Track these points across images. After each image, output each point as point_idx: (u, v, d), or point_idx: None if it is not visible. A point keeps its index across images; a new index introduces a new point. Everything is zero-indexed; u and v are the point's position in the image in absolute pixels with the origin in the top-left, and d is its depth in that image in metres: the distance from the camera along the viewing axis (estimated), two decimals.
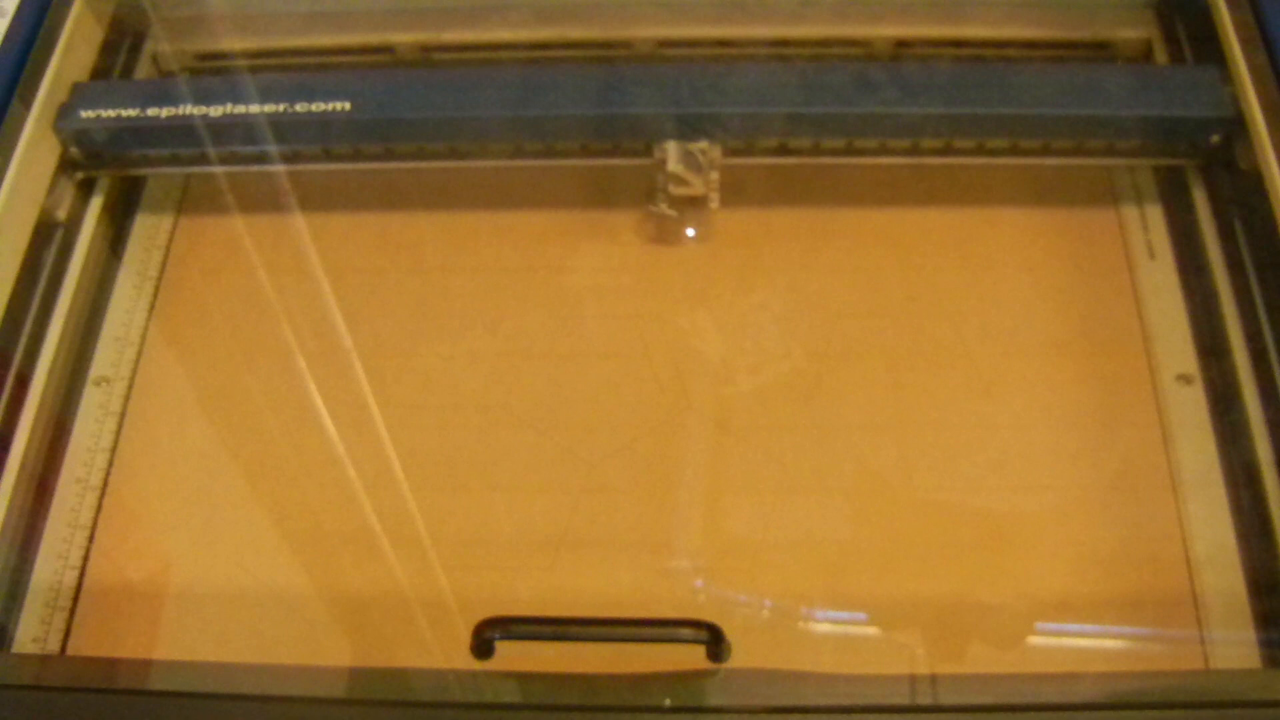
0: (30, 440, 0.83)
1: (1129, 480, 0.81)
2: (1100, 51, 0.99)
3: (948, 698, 0.64)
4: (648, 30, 1.00)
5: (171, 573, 0.81)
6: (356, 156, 0.93)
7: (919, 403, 0.85)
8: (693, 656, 0.67)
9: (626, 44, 1.01)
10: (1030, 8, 0.98)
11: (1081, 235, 0.92)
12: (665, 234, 0.94)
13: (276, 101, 0.90)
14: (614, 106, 0.90)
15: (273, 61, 1.02)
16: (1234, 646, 0.74)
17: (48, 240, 0.90)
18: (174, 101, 0.91)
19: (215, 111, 0.90)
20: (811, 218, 0.94)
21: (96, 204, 0.94)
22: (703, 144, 0.90)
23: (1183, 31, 0.95)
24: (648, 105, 0.90)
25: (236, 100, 0.90)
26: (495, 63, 1.01)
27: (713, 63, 0.97)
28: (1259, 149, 0.81)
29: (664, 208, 0.91)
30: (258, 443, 0.86)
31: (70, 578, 0.80)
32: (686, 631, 0.67)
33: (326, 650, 0.77)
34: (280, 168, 0.93)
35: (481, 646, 0.68)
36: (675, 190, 0.90)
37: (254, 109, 0.90)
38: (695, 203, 0.91)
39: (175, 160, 0.94)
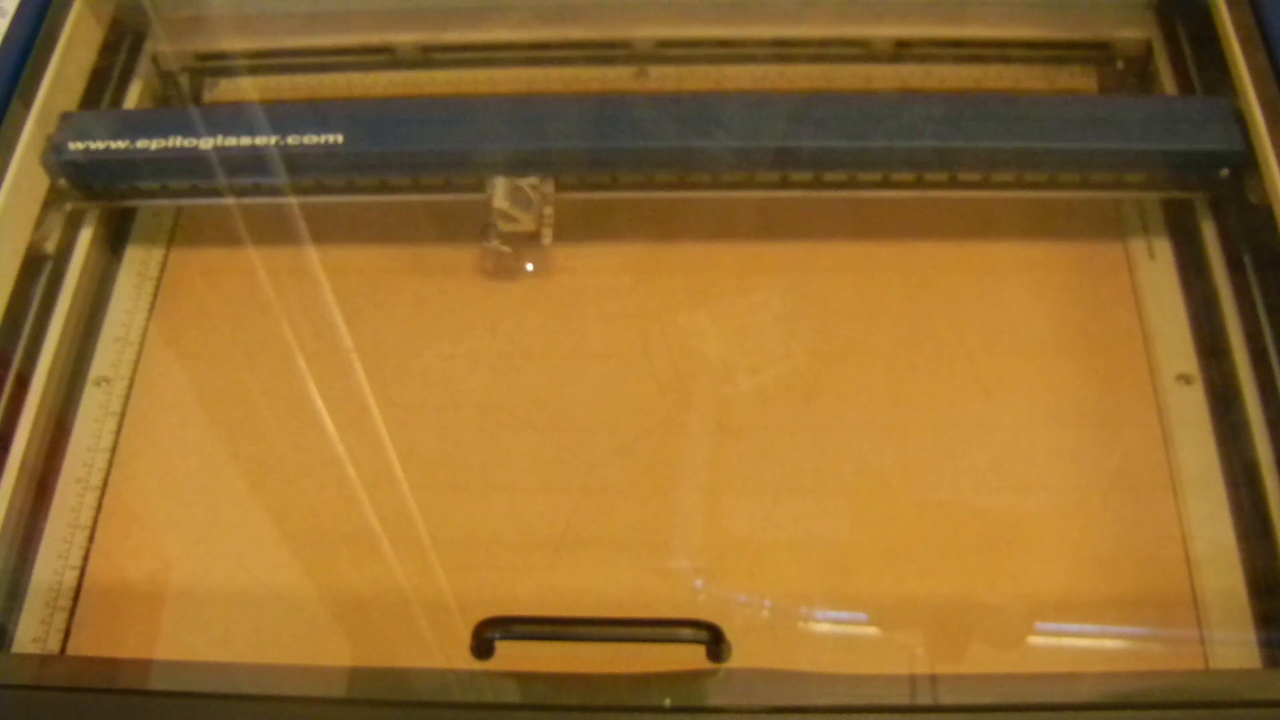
0: (30, 440, 0.83)
1: (1129, 480, 0.81)
2: (1100, 51, 0.99)
3: (948, 698, 0.64)
4: (648, 30, 1.00)
5: (171, 573, 0.81)
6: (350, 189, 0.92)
7: (919, 403, 0.85)
8: (693, 656, 0.67)
9: (626, 44, 1.01)
10: (1030, 8, 0.98)
11: (1087, 262, 0.91)
12: (501, 270, 0.92)
13: (268, 134, 0.88)
14: (445, 143, 0.89)
15: (273, 61, 1.03)
16: (1234, 646, 0.74)
17: (38, 269, 0.88)
18: (164, 133, 0.89)
19: (206, 144, 0.88)
20: (746, 251, 0.93)
21: (87, 234, 0.92)
22: (532, 179, 0.88)
23: (1183, 31, 0.95)
24: (477, 141, 0.88)
25: (228, 133, 0.88)
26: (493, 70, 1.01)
27: (553, 97, 0.96)
28: (1269, 183, 0.79)
29: (497, 244, 0.89)
30: (258, 443, 0.86)
31: (70, 578, 0.80)
32: (686, 631, 0.67)
33: (326, 650, 0.77)
34: (274, 200, 0.92)
35: (481, 646, 0.68)
36: (505, 227, 0.88)
37: (245, 141, 0.88)
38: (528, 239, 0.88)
39: (166, 192, 0.92)
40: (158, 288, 0.94)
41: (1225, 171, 0.85)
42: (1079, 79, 1.00)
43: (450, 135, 0.89)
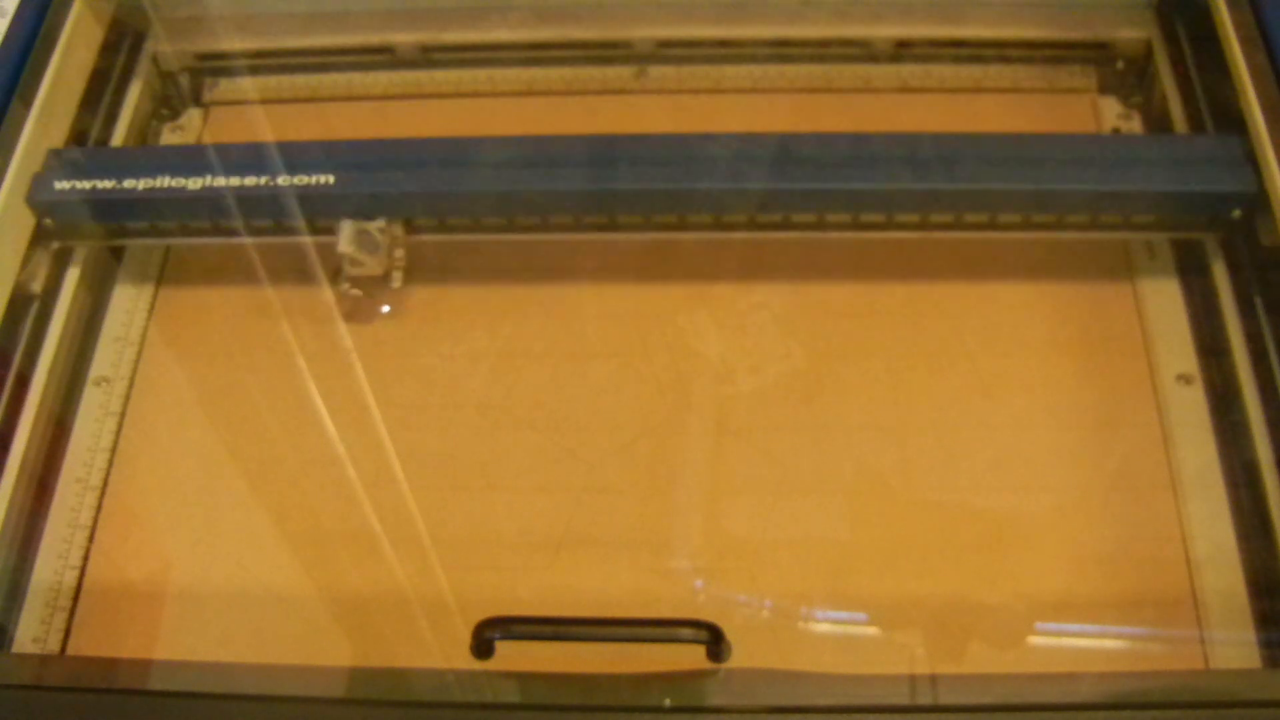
0: (30, 440, 0.83)
1: (1129, 480, 0.81)
2: (1100, 51, 0.99)
3: (948, 698, 0.64)
4: (648, 30, 1.00)
5: (171, 573, 0.81)
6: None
7: (919, 403, 0.85)
8: (693, 656, 0.67)
9: (626, 44, 1.01)
10: (1030, 8, 0.98)
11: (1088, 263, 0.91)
12: (356, 313, 0.91)
13: (258, 175, 0.86)
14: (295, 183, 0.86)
15: (273, 61, 1.03)
16: (1234, 646, 0.74)
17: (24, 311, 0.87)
18: (151, 173, 0.87)
19: (194, 184, 0.86)
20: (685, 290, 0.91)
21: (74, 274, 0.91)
22: (380, 222, 0.86)
23: (1183, 32, 0.95)
24: (325, 185, 0.85)
25: (215, 172, 0.86)
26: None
27: (402, 140, 0.90)
28: None
29: (346, 287, 0.87)
30: (257, 442, 0.86)
31: (70, 578, 0.80)
32: (686, 631, 0.67)
33: (326, 650, 0.77)
34: (261, 240, 0.90)
35: (481, 646, 0.68)
36: (352, 270, 0.86)
37: (234, 182, 0.86)
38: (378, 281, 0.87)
39: (154, 232, 0.90)
40: (157, 288, 0.94)
41: (1237, 212, 0.83)
42: (1079, 79, 1.00)
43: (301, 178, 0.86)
